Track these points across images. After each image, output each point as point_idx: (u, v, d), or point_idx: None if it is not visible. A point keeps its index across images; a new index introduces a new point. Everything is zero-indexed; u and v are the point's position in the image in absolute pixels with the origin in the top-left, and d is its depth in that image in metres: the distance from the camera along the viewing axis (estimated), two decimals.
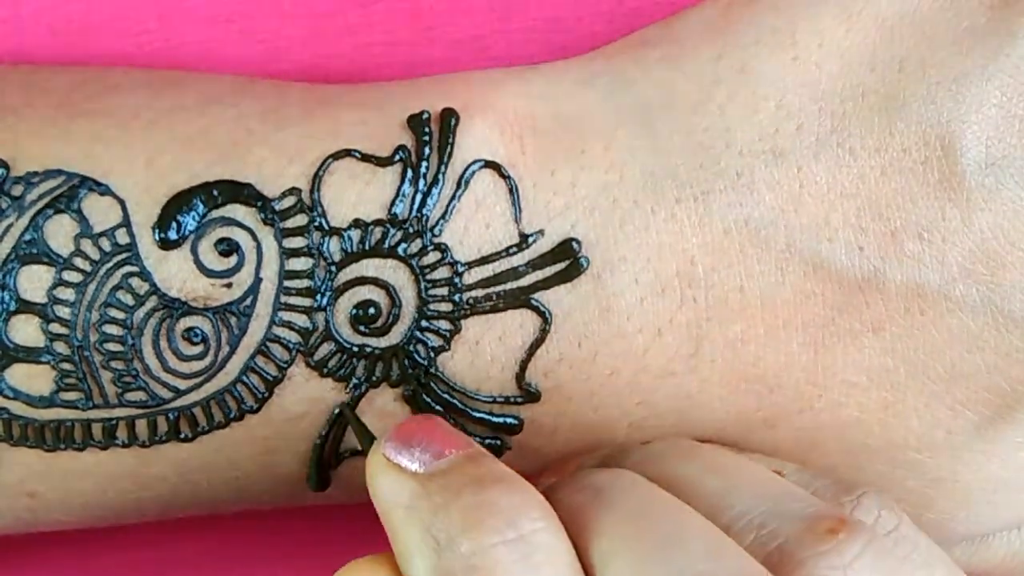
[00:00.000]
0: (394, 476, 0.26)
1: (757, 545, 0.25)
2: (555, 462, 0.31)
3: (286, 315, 0.30)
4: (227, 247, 0.30)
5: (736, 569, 0.24)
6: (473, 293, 0.30)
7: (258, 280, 0.30)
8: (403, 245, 0.30)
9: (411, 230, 0.30)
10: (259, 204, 0.29)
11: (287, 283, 0.30)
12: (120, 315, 0.29)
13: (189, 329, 0.30)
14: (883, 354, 0.30)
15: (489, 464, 0.26)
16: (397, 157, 0.30)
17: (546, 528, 0.25)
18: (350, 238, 0.30)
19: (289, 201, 0.30)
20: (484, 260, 0.30)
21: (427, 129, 0.30)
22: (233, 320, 0.30)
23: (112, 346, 0.29)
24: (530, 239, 0.30)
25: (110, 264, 0.29)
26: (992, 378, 0.30)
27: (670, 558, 0.24)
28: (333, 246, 0.30)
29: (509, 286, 0.30)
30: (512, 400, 0.30)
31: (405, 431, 0.27)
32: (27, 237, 0.29)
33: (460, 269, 0.30)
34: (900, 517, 0.27)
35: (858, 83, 0.30)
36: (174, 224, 0.29)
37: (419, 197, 0.30)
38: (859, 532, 0.25)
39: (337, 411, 0.30)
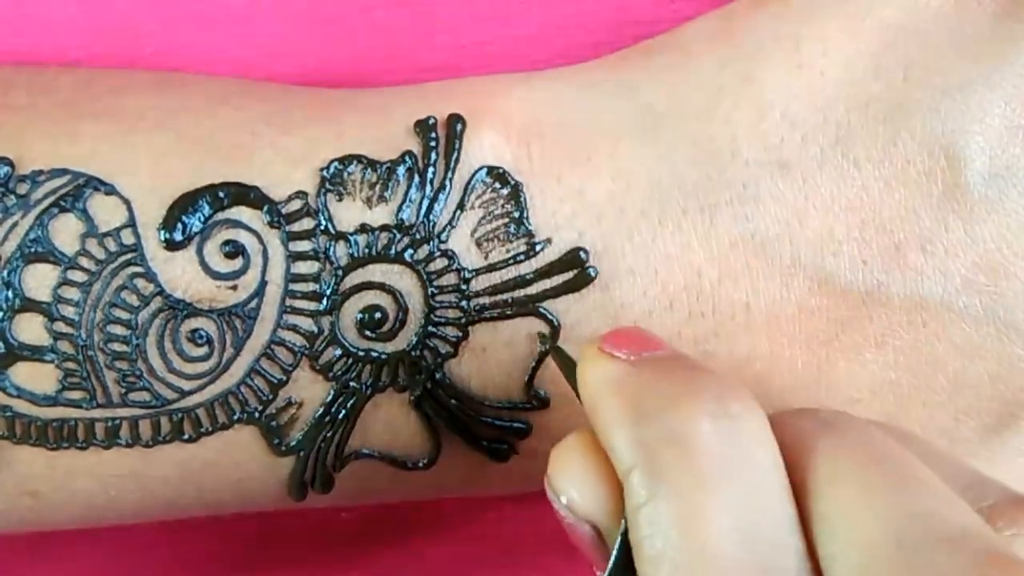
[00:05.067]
0: (606, 361, 0.26)
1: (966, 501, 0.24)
2: None
3: (292, 318, 0.30)
4: (233, 249, 0.30)
5: (966, 515, 0.23)
6: (480, 300, 0.30)
7: (264, 283, 0.30)
8: (410, 251, 0.30)
9: (418, 236, 0.30)
10: (265, 207, 0.29)
11: (293, 286, 0.30)
12: (125, 315, 0.29)
13: (194, 330, 0.30)
14: (886, 368, 0.30)
15: (699, 361, 0.26)
16: (404, 162, 0.30)
17: (754, 416, 0.24)
18: (356, 243, 0.30)
19: (296, 204, 0.30)
20: (491, 267, 0.30)
21: (434, 135, 0.30)
22: (238, 322, 0.30)
23: (116, 346, 0.29)
24: (538, 247, 0.30)
25: (115, 264, 0.29)
26: (995, 387, 0.30)
27: (902, 491, 0.23)
28: (340, 250, 0.30)
29: (517, 294, 0.30)
30: (520, 406, 0.30)
31: (619, 333, 0.26)
32: (32, 235, 0.29)
33: (467, 276, 0.30)
34: None
35: (862, 92, 0.30)
36: (180, 225, 0.29)
37: (426, 203, 0.30)
38: None
39: (544, 347, 0.30)
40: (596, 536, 0.25)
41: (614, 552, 0.24)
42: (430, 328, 0.30)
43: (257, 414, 0.30)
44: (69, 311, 0.29)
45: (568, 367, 0.28)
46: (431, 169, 0.30)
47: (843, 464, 0.24)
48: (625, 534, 0.24)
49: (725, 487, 0.23)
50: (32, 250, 0.29)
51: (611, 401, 0.25)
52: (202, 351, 0.30)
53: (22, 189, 0.29)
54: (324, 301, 0.30)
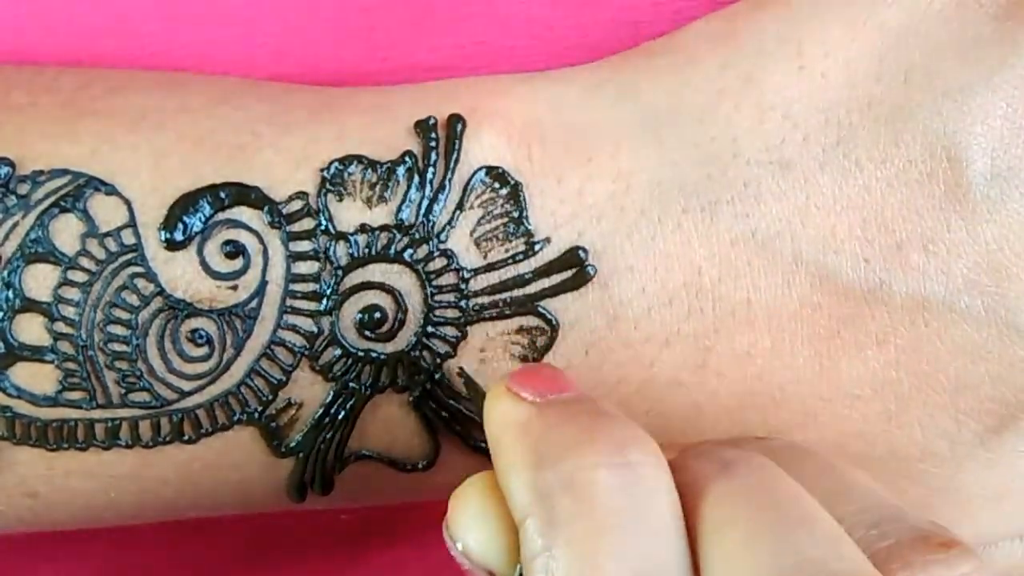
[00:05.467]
0: (512, 401, 0.26)
1: (865, 542, 0.24)
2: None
3: (292, 318, 0.30)
4: (233, 249, 0.30)
5: (851, 563, 0.23)
6: (479, 300, 0.30)
7: (264, 283, 0.30)
8: (409, 251, 0.30)
9: (417, 236, 0.30)
10: (266, 207, 0.29)
11: (293, 286, 0.30)
12: (125, 315, 0.29)
13: (194, 331, 0.30)
14: (887, 366, 0.30)
15: (606, 405, 0.26)
16: (404, 163, 0.30)
17: (655, 464, 0.24)
18: (356, 243, 0.30)
19: (296, 205, 0.30)
20: (490, 267, 0.30)
21: (434, 135, 0.30)
22: (238, 322, 0.30)
23: (117, 346, 0.29)
24: (536, 246, 0.30)
25: (116, 264, 0.29)
26: (996, 388, 0.30)
27: (788, 537, 0.23)
28: (340, 250, 0.30)
29: (515, 293, 0.30)
30: None
31: (527, 372, 0.26)
32: (33, 236, 0.29)
33: (466, 275, 0.30)
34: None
35: (864, 94, 0.30)
36: (180, 225, 0.29)
37: (425, 203, 0.30)
38: (971, 555, 0.24)
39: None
40: None
41: None
42: (429, 328, 0.30)
43: (257, 415, 0.30)
44: (69, 311, 0.29)
45: (478, 402, 0.28)
46: (431, 169, 0.30)
47: (731, 511, 0.24)
48: None
49: (620, 536, 0.23)
50: (33, 250, 0.29)
51: (512, 444, 0.25)
52: (202, 351, 0.30)
53: (23, 189, 0.29)
54: (324, 301, 0.30)
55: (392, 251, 0.30)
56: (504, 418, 0.26)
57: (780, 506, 0.24)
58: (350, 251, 0.30)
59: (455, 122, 0.30)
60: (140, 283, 0.29)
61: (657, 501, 0.24)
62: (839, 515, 0.25)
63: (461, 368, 0.30)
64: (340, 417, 0.30)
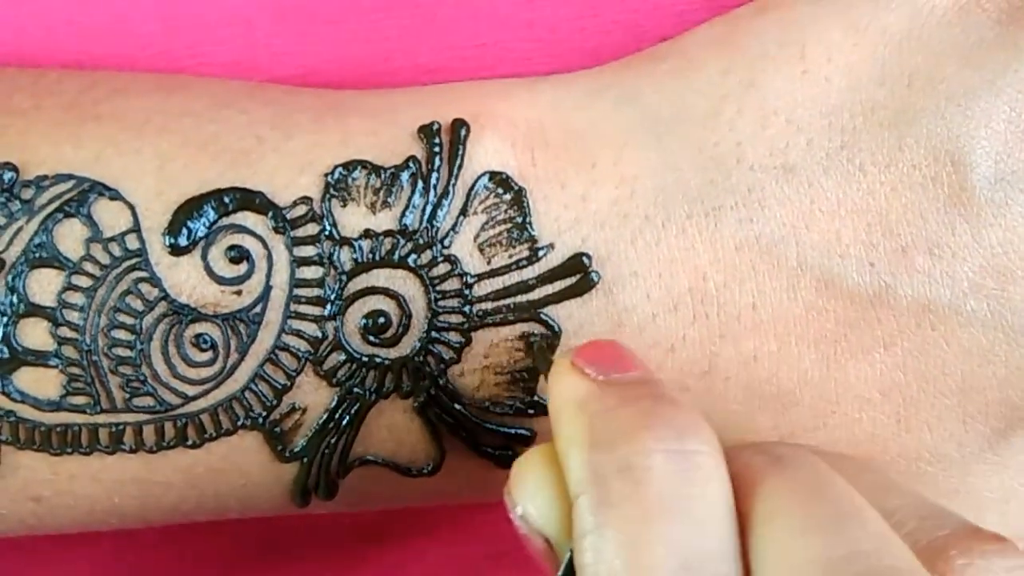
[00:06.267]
0: (575, 377, 0.26)
1: (920, 532, 0.25)
2: None
3: (296, 323, 0.30)
4: (237, 254, 0.30)
5: (900, 559, 0.23)
6: (483, 305, 0.30)
7: (268, 288, 0.30)
8: (413, 256, 0.30)
9: (421, 241, 0.30)
10: (270, 212, 0.29)
11: (297, 291, 0.30)
12: (129, 320, 0.29)
13: (198, 335, 0.30)
14: (895, 369, 0.30)
15: (668, 389, 0.26)
16: (408, 168, 0.30)
17: (710, 453, 0.25)
18: (360, 248, 0.30)
19: (300, 210, 0.30)
20: (494, 272, 0.30)
21: (437, 140, 0.30)
22: (242, 327, 0.30)
23: (121, 351, 0.29)
24: (540, 252, 0.30)
25: (120, 269, 0.29)
26: (1003, 391, 0.30)
27: (839, 530, 0.24)
28: (344, 256, 0.30)
29: (519, 299, 0.30)
30: (524, 412, 0.30)
31: (593, 348, 0.27)
32: (37, 241, 0.29)
33: (470, 281, 0.30)
34: None
35: (867, 98, 0.30)
36: (185, 230, 0.29)
37: (429, 208, 0.30)
38: (1020, 551, 0.25)
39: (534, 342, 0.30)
40: (548, 549, 0.25)
41: (560, 572, 0.25)
42: (433, 334, 0.30)
43: (261, 420, 0.30)
44: (73, 316, 0.29)
45: (544, 371, 0.28)
46: (435, 174, 0.30)
47: (784, 502, 0.24)
48: (572, 556, 0.24)
49: (670, 522, 0.24)
50: (37, 255, 0.29)
51: (572, 421, 0.25)
52: (206, 356, 0.30)
53: (27, 194, 0.29)
54: (328, 306, 0.30)
55: (396, 256, 0.30)
56: (566, 393, 0.26)
57: (831, 500, 0.24)
58: (354, 256, 0.30)
59: (459, 127, 0.30)
60: (144, 288, 0.29)
61: (710, 490, 0.24)
62: (887, 510, 0.25)
63: (531, 333, 0.30)
64: (344, 422, 0.30)
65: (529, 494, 0.25)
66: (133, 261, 0.29)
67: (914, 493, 0.26)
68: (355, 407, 0.30)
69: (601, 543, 0.24)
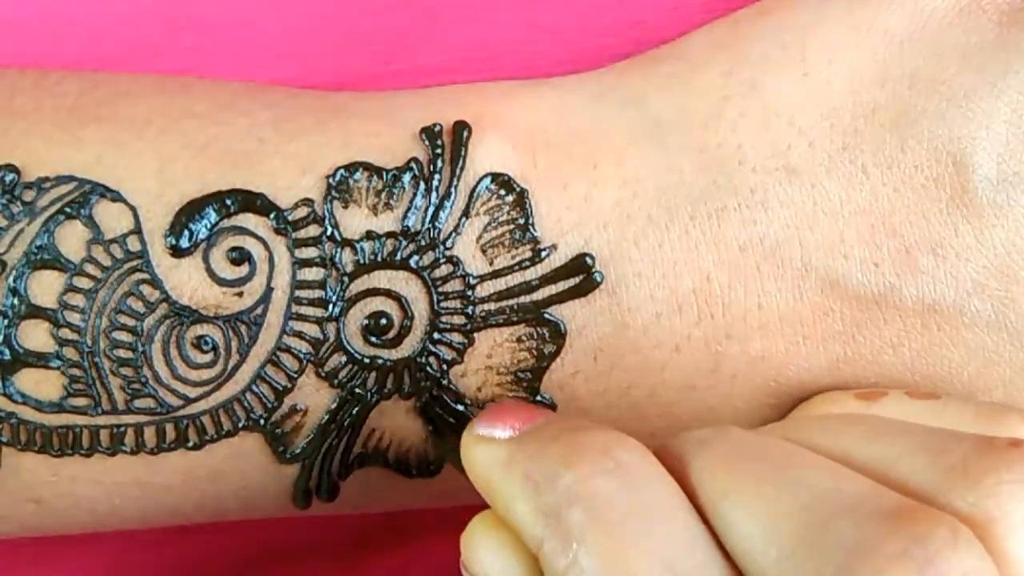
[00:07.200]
0: (488, 445, 0.26)
1: (930, 467, 0.24)
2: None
3: (297, 325, 0.30)
4: (239, 256, 0.30)
5: (855, 482, 0.23)
6: (486, 306, 0.30)
7: (270, 289, 0.30)
8: (415, 257, 0.30)
9: (423, 242, 0.30)
10: (272, 214, 0.29)
11: (299, 293, 0.30)
12: (130, 322, 0.29)
13: (199, 337, 0.30)
14: (903, 370, 0.30)
15: (579, 417, 0.26)
16: (409, 170, 0.30)
17: (642, 456, 0.25)
18: (362, 249, 0.30)
19: (302, 212, 0.30)
20: (496, 273, 0.30)
21: (440, 142, 0.30)
22: (244, 329, 0.30)
23: (122, 352, 0.29)
24: (543, 253, 0.30)
25: (121, 271, 0.29)
26: (1008, 393, 0.30)
27: (787, 475, 0.24)
28: (346, 257, 0.30)
29: (522, 300, 0.30)
30: None
31: (493, 412, 0.27)
32: (38, 242, 0.29)
33: (472, 282, 0.30)
34: None
35: (869, 100, 0.30)
36: (186, 232, 0.29)
37: (431, 210, 0.30)
38: None
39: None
40: None
41: None
42: (435, 335, 0.30)
43: (262, 421, 0.30)
44: (75, 318, 0.29)
45: (453, 459, 0.28)
46: (437, 176, 0.30)
47: (723, 474, 0.24)
48: None
49: (636, 531, 0.24)
50: (38, 257, 0.29)
51: (504, 480, 0.25)
52: (207, 358, 0.30)
53: (28, 196, 0.29)
54: (330, 308, 0.30)
55: (398, 258, 0.30)
56: (487, 461, 0.26)
57: (765, 454, 0.25)
58: (356, 258, 0.30)
59: (461, 129, 0.30)
60: (145, 290, 0.29)
61: (656, 489, 0.24)
62: (889, 456, 0.25)
63: (429, 427, 0.30)
64: (345, 424, 0.30)
65: (488, 561, 0.25)
66: (134, 263, 0.29)
67: (912, 428, 0.26)
68: (356, 408, 0.30)
69: (582, 573, 0.24)
